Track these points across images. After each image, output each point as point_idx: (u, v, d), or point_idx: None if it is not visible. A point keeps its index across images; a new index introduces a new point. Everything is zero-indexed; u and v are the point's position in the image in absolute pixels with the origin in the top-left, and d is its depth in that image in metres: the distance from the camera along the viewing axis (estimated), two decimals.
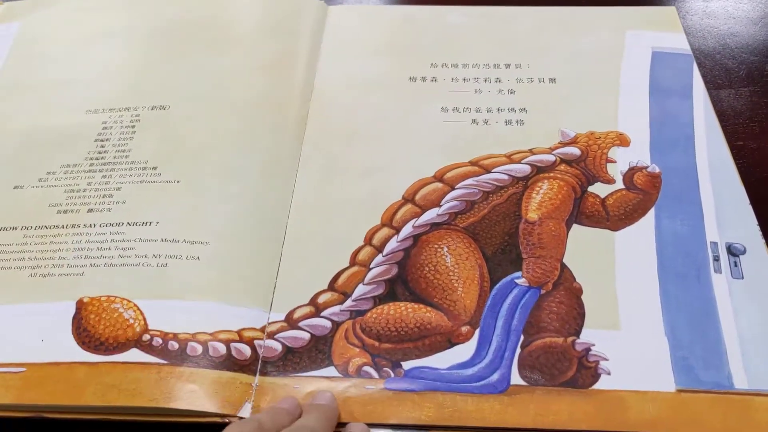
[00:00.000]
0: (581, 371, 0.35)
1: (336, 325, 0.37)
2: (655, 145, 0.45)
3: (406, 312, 0.37)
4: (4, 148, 0.46)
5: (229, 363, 0.35)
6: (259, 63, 0.50)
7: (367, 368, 0.35)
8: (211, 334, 0.36)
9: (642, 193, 0.42)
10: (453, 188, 0.43)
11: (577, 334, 0.36)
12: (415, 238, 0.40)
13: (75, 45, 0.53)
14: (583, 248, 0.40)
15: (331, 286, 0.39)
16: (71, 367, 0.35)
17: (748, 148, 0.45)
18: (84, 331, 0.36)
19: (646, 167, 0.43)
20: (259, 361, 0.36)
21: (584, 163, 0.44)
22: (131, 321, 0.37)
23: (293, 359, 0.36)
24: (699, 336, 0.36)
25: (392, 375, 0.35)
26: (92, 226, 0.41)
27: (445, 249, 0.40)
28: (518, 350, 0.36)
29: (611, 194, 0.42)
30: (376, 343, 0.36)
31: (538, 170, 0.43)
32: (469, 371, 0.35)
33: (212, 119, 0.47)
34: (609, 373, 0.35)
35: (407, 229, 0.41)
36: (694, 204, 0.41)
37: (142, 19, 0.54)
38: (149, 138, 0.46)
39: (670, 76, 0.49)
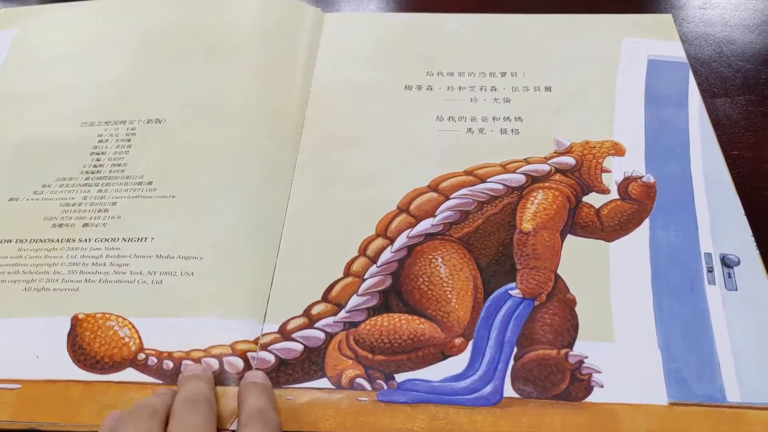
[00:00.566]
0: (574, 384, 0.35)
1: (329, 336, 0.37)
2: (650, 154, 0.44)
3: (399, 323, 0.37)
4: (0, 158, 0.46)
5: (222, 378, 0.35)
6: (254, 71, 0.50)
7: (359, 380, 0.35)
8: (204, 350, 0.36)
9: (637, 204, 0.42)
10: (448, 198, 0.43)
11: (571, 346, 0.36)
12: (410, 248, 0.40)
13: (71, 53, 0.53)
14: (578, 259, 0.40)
15: (325, 297, 0.39)
16: (67, 385, 0.35)
17: (743, 158, 0.45)
18: (79, 349, 0.37)
19: (641, 177, 0.43)
20: None
21: (579, 172, 0.44)
22: (126, 339, 0.37)
23: (286, 371, 0.36)
24: (692, 348, 0.36)
25: (385, 387, 0.35)
26: (87, 240, 0.41)
27: (440, 260, 0.40)
28: (511, 362, 0.36)
29: (606, 204, 0.42)
30: (370, 355, 0.36)
31: (533, 180, 0.43)
32: (462, 384, 0.35)
33: (208, 129, 0.47)
34: (602, 386, 0.35)
35: (402, 240, 0.41)
36: (689, 214, 0.41)
37: (139, 28, 0.54)
38: (145, 152, 0.46)
39: (666, 85, 0.49)
